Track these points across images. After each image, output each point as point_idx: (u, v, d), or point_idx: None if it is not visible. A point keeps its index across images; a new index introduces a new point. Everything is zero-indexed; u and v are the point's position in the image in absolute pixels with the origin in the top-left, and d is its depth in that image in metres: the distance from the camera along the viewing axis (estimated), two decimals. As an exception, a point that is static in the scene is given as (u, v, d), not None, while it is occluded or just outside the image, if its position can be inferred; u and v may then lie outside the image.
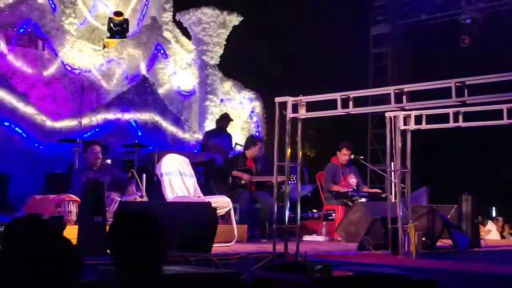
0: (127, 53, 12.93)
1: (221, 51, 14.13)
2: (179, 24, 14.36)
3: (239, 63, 14.78)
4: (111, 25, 13.43)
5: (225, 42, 14.13)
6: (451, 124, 7.07)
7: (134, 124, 12.11)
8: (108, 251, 5.31)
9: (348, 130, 14.50)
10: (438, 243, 8.22)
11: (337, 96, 6.27)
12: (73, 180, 8.31)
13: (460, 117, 7.01)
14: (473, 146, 15.16)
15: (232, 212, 7.95)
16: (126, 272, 2.77)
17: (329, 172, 10.16)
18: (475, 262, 7.27)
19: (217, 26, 13.90)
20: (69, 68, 12.17)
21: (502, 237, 13.78)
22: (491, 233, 12.99)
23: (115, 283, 2.90)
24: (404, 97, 6.04)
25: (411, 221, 7.39)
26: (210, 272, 3.92)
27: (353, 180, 10.19)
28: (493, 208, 17.54)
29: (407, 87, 6.07)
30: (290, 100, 6.57)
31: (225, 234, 7.66)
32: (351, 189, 9.94)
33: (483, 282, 5.38)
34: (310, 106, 6.72)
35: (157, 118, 12.35)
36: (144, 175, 8.07)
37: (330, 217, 10.33)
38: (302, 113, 6.57)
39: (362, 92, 6.51)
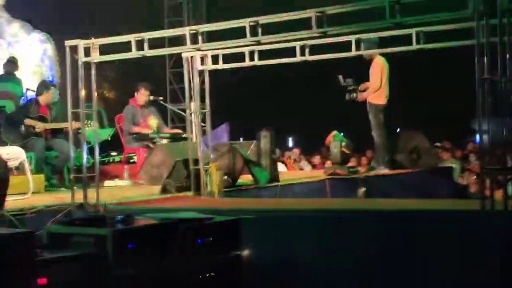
0: None
1: (6, -9, 13.23)
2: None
3: (28, 3, 13.91)
4: None
5: (10, -19, 13.24)
6: (247, 63, 7.12)
7: None
8: None
9: (146, 70, 14.30)
10: (239, 180, 8.37)
11: (131, 38, 6.05)
12: None
13: (256, 56, 7.07)
14: (271, 83, 15.60)
15: (26, 162, 7.54)
16: None
17: (128, 114, 9.96)
18: (275, 198, 7.53)
19: (-5, -37, 12.97)
20: None
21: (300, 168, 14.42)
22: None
23: None
24: (200, 38, 5.96)
25: (212, 161, 7.45)
26: (1, 233, 3.64)
27: (153, 121, 10.07)
28: (290, 138, 18.27)
29: (202, 27, 5.99)
30: (81, 43, 6.24)
31: (20, 186, 7.25)
32: (151, 131, 9.83)
33: (282, 217, 5.56)
34: (104, 49, 6.44)
35: None
36: None
37: (131, 160, 10.19)
38: (95, 56, 6.28)
39: (157, 33, 6.32)
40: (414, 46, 6.33)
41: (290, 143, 19.00)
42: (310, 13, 5.36)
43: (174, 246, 4.30)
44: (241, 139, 12.17)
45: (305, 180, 9.15)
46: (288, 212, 5.81)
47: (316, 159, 14.81)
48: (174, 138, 9.77)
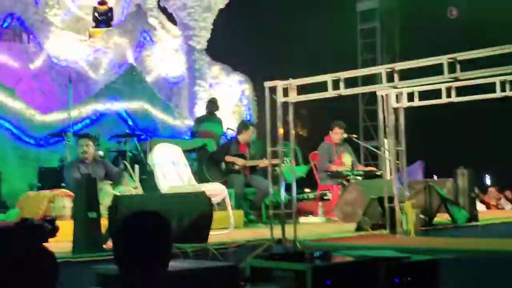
0: (113, 42, 12.78)
1: (208, 35, 13.99)
2: (164, 10, 14.21)
3: (227, 46, 14.64)
4: (96, 14, 13.28)
5: (211, 26, 13.99)
6: (444, 100, 6.99)
7: (124, 113, 12.00)
8: (105, 246, 5.30)
9: (339, 108, 14.39)
10: (436, 218, 8.17)
11: (328, 78, 6.17)
12: (65, 174, 8.24)
13: (453, 92, 6.93)
14: (466, 119, 15.10)
15: (227, 199, 7.89)
16: (131, 273, 2.68)
17: (323, 152, 10.12)
18: (474, 238, 7.25)
19: (202, 10, 13.75)
20: (55, 60, 12.02)
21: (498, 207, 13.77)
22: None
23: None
24: (395, 76, 5.95)
25: (407, 199, 7.34)
26: (208, 266, 3.86)
27: (347, 158, 10.14)
28: (487, 176, 17.48)
29: (398, 66, 5.97)
30: (279, 84, 6.45)
31: (222, 221, 7.60)
32: (346, 168, 9.90)
33: (483, 259, 5.36)
34: (301, 88, 6.62)
35: (147, 106, 12.26)
36: (137, 165, 7.97)
37: (325, 197, 10.29)
38: (293, 96, 6.47)
39: (352, 72, 6.40)
40: None
41: (488, 181, 18.17)
42: (512, 47, 5.19)
43: (371, 284, 4.29)
44: (435, 176, 11.88)
45: (507, 220, 8.74)
46: (490, 253, 5.58)
47: (518, 198, 14.07)
48: (368, 176, 9.77)
